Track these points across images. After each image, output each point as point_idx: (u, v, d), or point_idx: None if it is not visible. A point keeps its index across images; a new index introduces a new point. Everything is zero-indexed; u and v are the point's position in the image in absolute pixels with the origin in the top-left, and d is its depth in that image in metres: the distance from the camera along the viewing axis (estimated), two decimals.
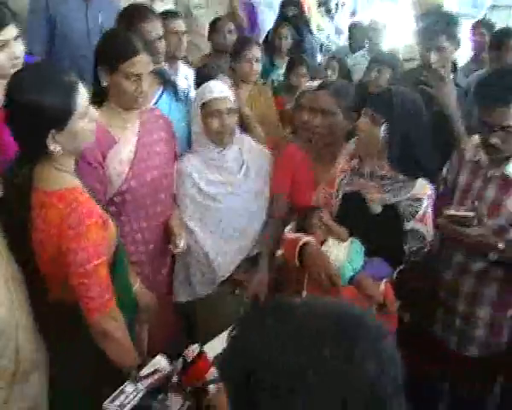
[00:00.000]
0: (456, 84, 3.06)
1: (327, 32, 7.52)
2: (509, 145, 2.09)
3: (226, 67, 3.33)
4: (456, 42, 3.01)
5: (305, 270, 2.09)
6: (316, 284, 2.03)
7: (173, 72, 3.10)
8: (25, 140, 1.71)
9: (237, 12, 4.65)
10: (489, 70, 3.33)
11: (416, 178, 2.09)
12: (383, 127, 1.99)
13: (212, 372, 1.67)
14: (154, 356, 1.79)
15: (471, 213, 2.14)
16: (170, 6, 4.05)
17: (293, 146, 2.61)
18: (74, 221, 1.66)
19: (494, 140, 2.09)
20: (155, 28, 2.66)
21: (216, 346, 2.12)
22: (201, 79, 2.73)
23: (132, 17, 2.64)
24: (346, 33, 6.13)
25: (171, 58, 3.07)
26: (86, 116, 1.73)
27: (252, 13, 5.32)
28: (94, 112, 1.79)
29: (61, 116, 1.66)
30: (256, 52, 3.27)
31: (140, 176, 2.25)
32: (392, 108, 1.99)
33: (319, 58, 5.58)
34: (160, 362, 1.75)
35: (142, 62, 2.15)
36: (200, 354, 1.72)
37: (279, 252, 2.28)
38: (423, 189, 2.09)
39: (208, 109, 2.42)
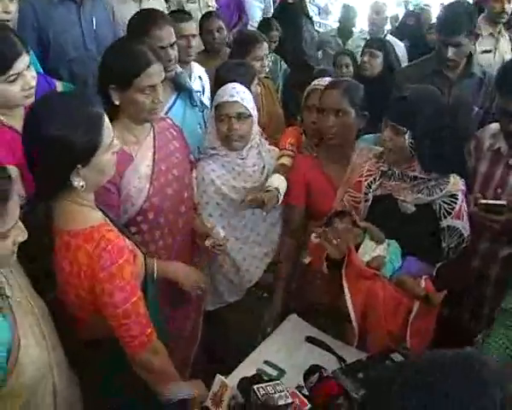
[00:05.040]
0: (472, 74, 2.96)
1: (310, 14, 7.41)
2: None
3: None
4: (473, 36, 2.88)
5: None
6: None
7: (187, 72, 2.92)
8: (47, 176, 1.53)
9: None
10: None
11: (449, 173, 2.00)
12: (407, 136, 1.91)
13: None
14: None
15: (503, 201, 2.15)
16: (158, 2, 3.82)
17: (301, 156, 2.49)
18: (106, 262, 1.53)
19: None
20: (168, 35, 2.46)
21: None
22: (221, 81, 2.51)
23: (145, 23, 2.44)
24: (333, 14, 6.03)
25: (181, 61, 2.87)
26: (110, 148, 1.58)
27: (239, 1, 5.18)
28: (117, 144, 1.64)
29: (88, 151, 1.51)
30: (265, 48, 3.15)
31: (161, 191, 2.08)
32: (413, 115, 1.89)
33: None
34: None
35: (155, 73, 1.96)
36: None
37: (306, 259, 2.17)
38: (457, 185, 2.01)
39: (218, 113, 2.30)
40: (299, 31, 4.68)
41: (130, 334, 1.58)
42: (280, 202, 2.33)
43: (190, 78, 2.95)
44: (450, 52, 2.85)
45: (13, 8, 2.46)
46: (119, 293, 1.55)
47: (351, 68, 3.92)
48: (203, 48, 3.78)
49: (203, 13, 4.12)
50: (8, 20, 2.40)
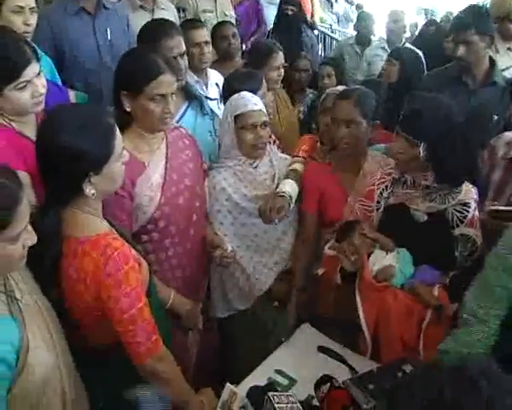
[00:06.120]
0: (494, 82, 2.95)
1: (329, 22, 7.49)
2: None
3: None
4: (487, 38, 2.87)
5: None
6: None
7: (203, 80, 2.98)
8: (60, 184, 1.60)
9: None
10: None
11: (462, 183, 2.02)
12: (422, 148, 1.94)
13: None
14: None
15: None
16: (171, 13, 3.90)
17: (314, 164, 2.53)
18: (112, 269, 1.58)
19: None
20: (178, 45, 2.51)
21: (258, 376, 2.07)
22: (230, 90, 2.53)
23: (155, 33, 2.49)
24: (353, 21, 6.10)
25: (196, 69, 2.95)
26: (121, 158, 1.66)
27: (257, 10, 5.24)
28: (126, 154, 1.71)
29: (101, 159, 1.59)
30: (281, 59, 3.19)
31: (172, 201, 2.12)
32: (427, 128, 1.92)
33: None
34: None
35: (166, 82, 2.01)
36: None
37: (320, 270, 2.19)
38: (470, 193, 2.03)
39: (243, 122, 2.33)
40: (299, 38, 4.75)
41: (137, 340, 1.61)
42: (291, 207, 2.37)
43: (207, 86, 3.02)
44: (460, 50, 2.86)
45: (33, 20, 2.54)
46: (124, 299, 1.59)
47: (333, 78, 3.89)
48: (216, 56, 3.81)
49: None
50: (28, 32, 2.49)
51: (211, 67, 3.44)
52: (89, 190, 1.59)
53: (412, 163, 1.99)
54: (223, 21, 4.02)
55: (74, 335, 1.69)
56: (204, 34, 3.04)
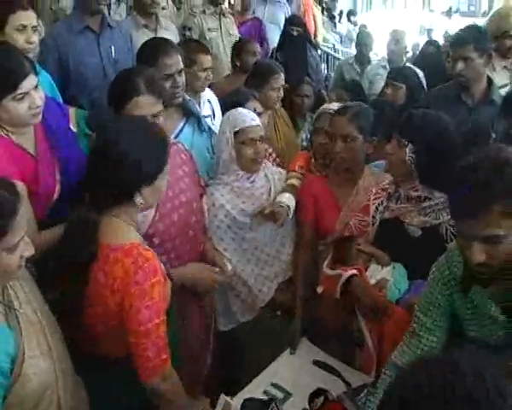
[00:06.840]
0: (492, 100, 2.97)
1: (332, 42, 7.58)
2: None
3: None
4: (485, 56, 2.90)
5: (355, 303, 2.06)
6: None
7: (195, 100, 3.01)
8: (112, 191, 1.67)
9: None
10: None
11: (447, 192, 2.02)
12: (408, 149, 1.98)
13: None
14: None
15: None
16: (173, 33, 4.01)
17: (310, 176, 2.60)
18: (141, 278, 1.62)
19: None
20: (176, 63, 2.54)
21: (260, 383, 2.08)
22: (232, 105, 2.63)
23: (154, 51, 2.53)
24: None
25: (196, 90, 3.01)
26: (166, 173, 1.74)
27: (260, 29, 5.31)
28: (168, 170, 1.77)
29: (158, 170, 1.67)
30: (282, 80, 3.29)
31: (166, 217, 2.15)
32: (415, 130, 1.98)
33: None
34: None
35: (143, 103, 2.04)
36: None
37: (319, 288, 2.21)
38: None
39: (244, 137, 2.41)
40: (305, 59, 4.81)
41: (147, 354, 1.62)
42: (290, 216, 2.44)
43: (199, 104, 3.05)
44: (459, 66, 2.89)
45: (35, 38, 2.60)
46: (145, 311, 1.62)
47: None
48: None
49: (224, 41, 4.29)
50: (30, 50, 2.54)
51: (225, 80, 3.64)
52: (138, 199, 1.66)
53: (402, 167, 2.02)
54: (247, 38, 4.22)
55: (84, 339, 1.73)
56: (210, 60, 3.10)
